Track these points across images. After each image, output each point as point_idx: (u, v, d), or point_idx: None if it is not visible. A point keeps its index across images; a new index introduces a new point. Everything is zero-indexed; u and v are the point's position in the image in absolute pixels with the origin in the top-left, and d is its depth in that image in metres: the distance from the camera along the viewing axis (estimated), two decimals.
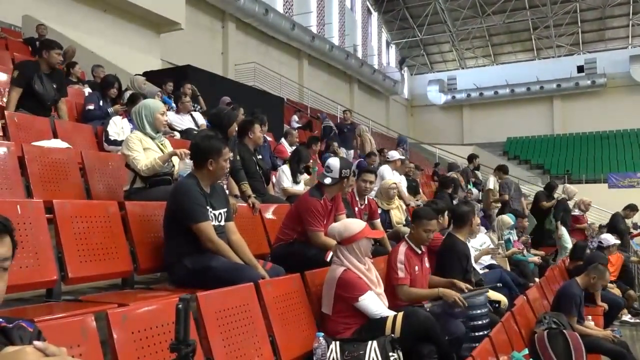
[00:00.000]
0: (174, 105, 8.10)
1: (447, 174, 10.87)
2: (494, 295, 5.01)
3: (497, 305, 4.37)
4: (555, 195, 10.45)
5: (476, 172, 11.99)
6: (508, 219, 7.67)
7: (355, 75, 29.18)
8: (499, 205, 10.04)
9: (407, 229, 5.85)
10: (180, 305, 1.54)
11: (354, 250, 3.45)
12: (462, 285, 4.16)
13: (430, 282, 4.37)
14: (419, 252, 4.20)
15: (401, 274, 4.00)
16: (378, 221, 5.55)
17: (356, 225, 3.53)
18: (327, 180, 4.19)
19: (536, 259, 7.90)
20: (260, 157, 5.73)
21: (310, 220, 4.04)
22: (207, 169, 3.39)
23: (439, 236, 4.90)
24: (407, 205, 7.69)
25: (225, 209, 3.54)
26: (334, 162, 4.28)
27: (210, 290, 2.78)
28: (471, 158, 11.30)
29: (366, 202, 5.52)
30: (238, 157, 5.07)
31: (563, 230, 9.76)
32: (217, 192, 3.54)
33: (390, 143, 20.46)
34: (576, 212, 10.55)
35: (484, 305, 3.96)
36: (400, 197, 7.22)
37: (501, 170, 10.43)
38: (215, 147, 3.40)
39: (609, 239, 8.25)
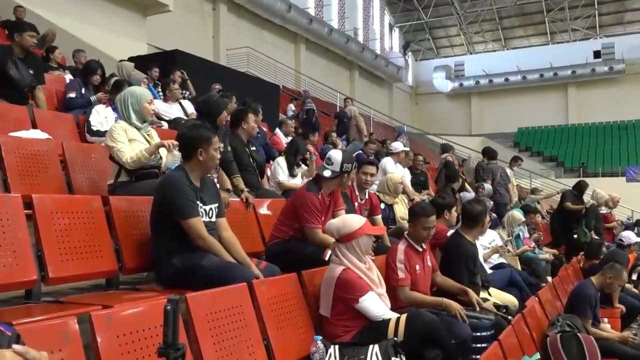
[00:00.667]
0: (158, 94, 8.08)
1: (441, 157, 10.92)
2: (501, 297, 5.02)
3: (504, 310, 4.37)
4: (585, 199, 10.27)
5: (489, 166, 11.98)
6: (518, 214, 7.69)
7: (355, 61, 29.13)
8: (515, 197, 10.09)
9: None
10: (168, 307, 1.55)
11: (354, 248, 3.46)
12: (474, 298, 4.17)
13: (443, 283, 4.38)
14: (420, 250, 4.21)
15: (401, 275, 4.01)
16: (379, 217, 5.56)
17: (355, 221, 3.54)
18: (327, 173, 4.19)
19: (547, 255, 7.93)
20: (254, 148, 5.73)
21: (307, 216, 4.04)
22: (197, 159, 3.39)
23: (444, 228, 4.91)
24: (411, 199, 7.71)
25: (216, 204, 3.54)
26: (335, 154, 4.28)
27: (200, 291, 2.78)
28: (486, 152, 11.21)
29: (367, 196, 5.52)
30: (229, 149, 5.07)
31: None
32: (207, 186, 3.55)
33: (393, 134, 20.46)
34: (603, 210, 10.47)
35: (489, 328, 3.97)
36: (404, 192, 7.24)
37: (487, 154, 10.50)
38: (204, 136, 3.40)
39: (630, 236, 8.26)
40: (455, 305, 3.89)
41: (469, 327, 3.79)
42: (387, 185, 6.32)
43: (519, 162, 11.29)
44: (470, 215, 4.75)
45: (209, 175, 3.77)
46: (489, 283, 5.09)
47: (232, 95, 7.69)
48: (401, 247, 4.13)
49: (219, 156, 3.52)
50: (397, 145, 8.43)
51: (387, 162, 7.94)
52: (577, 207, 9.78)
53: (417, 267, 4.12)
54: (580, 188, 10.20)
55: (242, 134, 5.45)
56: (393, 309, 3.55)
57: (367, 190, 5.54)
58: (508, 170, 10.53)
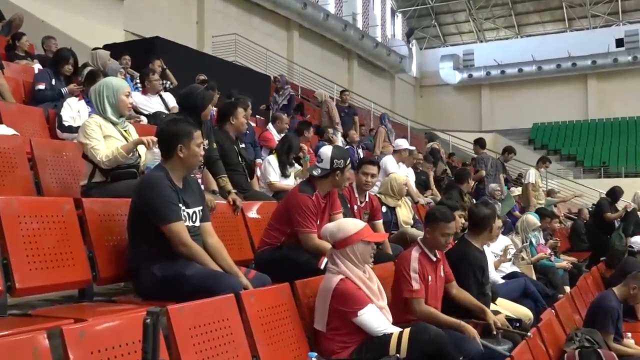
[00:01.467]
0: (136, 86, 8.07)
1: (427, 145, 11.01)
2: (514, 309, 5.03)
3: (517, 324, 4.38)
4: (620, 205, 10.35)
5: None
6: (534, 218, 7.70)
7: (354, 49, 29.15)
8: (542, 202, 10.12)
9: (414, 231, 5.89)
10: (148, 320, 1.55)
11: (349, 255, 3.46)
12: (491, 319, 4.17)
13: (458, 295, 4.36)
14: (434, 259, 4.22)
15: (416, 285, 3.99)
16: (380, 222, 5.55)
17: (351, 225, 3.55)
18: (316, 172, 4.19)
19: (565, 264, 7.92)
20: (242, 146, 5.73)
21: (300, 219, 4.04)
22: (177, 156, 3.39)
23: None
24: (416, 202, 7.73)
25: (200, 207, 3.54)
26: (324, 150, 4.28)
27: (183, 303, 2.78)
28: (506, 151, 11.23)
29: (367, 199, 5.53)
30: (215, 146, 5.07)
31: None
32: (190, 187, 3.55)
33: (396, 129, 20.44)
34: None
35: (503, 357, 3.99)
36: (408, 194, 7.24)
37: (478, 143, 10.84)
38: (184, 130, 3.41)
39: None
40: (472, 331, 3.88)
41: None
42: (390, 187, 6.32)
43: (547, 163, 11.26)
44: (476, 219, 4.75)
45: (192, 175, 3.77)
46: (495, 293, 5.10)
47: (215, 87, 7.68)
48: (415, 254, 4.12)
49: (202, 153, 3.52)
50: (401, 143, 8.42)
51: (389, 161, 7.92)
52: (616, 214, 9.94)
53: (430, 278, 4.12)
54: (614, 195, 10.32)
55: (230, 130, 5.45)
56: (397, 322, 3.56)
57: (367, 192, 5.54)
58: (533, 171, 10.58)
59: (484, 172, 10.41)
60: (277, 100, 12.20)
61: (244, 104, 5.73)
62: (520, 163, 22.43)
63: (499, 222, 6.32)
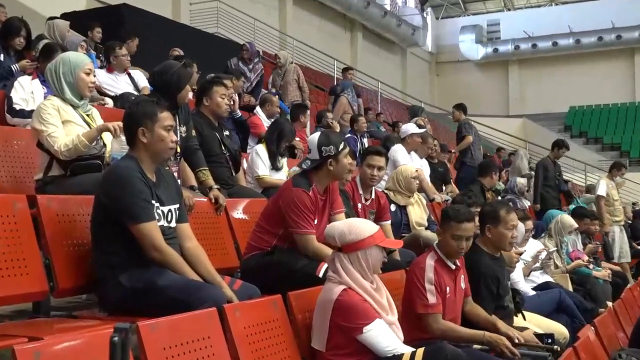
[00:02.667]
0: (100, 61, 8.07)
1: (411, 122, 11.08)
2: (546, 326, 5.05)
3: (549, 340, 4.40)
4: None
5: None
6: (570, 219, 7.70)
7: (359, 19, 29.10)
8: (619, 218, 10.13)
9: (429, 234, 5.89)
10: (115, 338, 1.56)
11: (359, 261, 3.47)
12: (512, 332, 4.17)
13: (470, 312, 4.37)
14: (453, 267, 4.23)
15: (432, 299, 3.99)
16: (389, 223, 5.55)
17: (366, 227, 3.55)
18: (306, 164, 4.22)
19: (604, 273, 7.91)
20: (227, 133, 5.72)
21: (295, 218, 4.05)
22: (141, 142, 3.40)
23: None
24: (431, 200, 7.73)
25: (177, 205, 3.55)
26: (311, 138, 4.33)
27: (156, 318, 2.79)
28: (556, 146, 11.04)
29: (373, 195, 5.53)
30: (194, 134, 5.07)
31: None
32: (165, 181, 3.56)
33: (408, 114, 20.45)
34: None
35: None
36: (421, 189, 7.24)
37: (460, 108, 11.12)
38: (146, 111, 3.43)
39: None
40: (502, 340, 3.91)
41: None
42: (397, 181, 6.32)
43: (623, 170, 11.19)
44: (487, 216, 4.76)
45: (167, 167, 3.77)
46: (522, 301, 5.10)
47: (192, 63, 7.66)
48: (430, 262, 4.13)
49: (174, 138, 3.51)
50: (408, 127, 8.29)
51: (398, 150, 7.85)
52: None
53: (448, 289, 4.13)
54: None
55: (208, 114, 5.44)
56: (409, 341, 3.57)
57: (373, 188, 5.54)
58: (604, 181, 10.56)
59: (470, 138, 10.73)
60: (248, 76, 11.32)
61: (220, 81, 5.68)
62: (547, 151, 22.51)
63: (529, 224, 6.36)
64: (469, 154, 10.62)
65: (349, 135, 10.15)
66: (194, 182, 4.96)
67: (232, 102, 5.57)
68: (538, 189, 10.26)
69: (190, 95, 5.54)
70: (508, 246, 4.76)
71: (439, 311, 4.01)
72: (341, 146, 4.23)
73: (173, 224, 3.50)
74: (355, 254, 3.46)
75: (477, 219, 5.11)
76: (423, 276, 4.05)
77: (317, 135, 4.33)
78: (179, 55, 9.11)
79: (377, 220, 5.39)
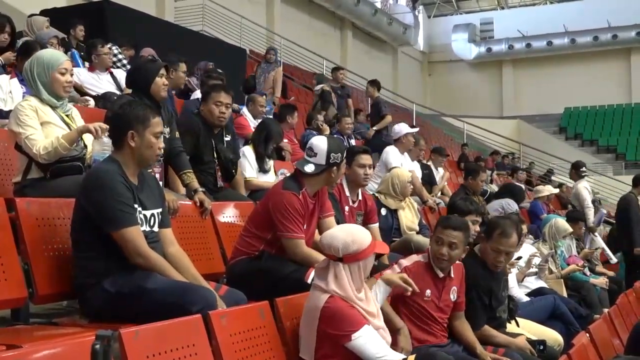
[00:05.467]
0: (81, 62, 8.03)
1: (316, 88, 11.14)
2: (540, 332, 5.06)
3: (541, 346, 4.41)
4: None
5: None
6: (565, 223, 7.74)
7: (348, 17, 29.11)
8: None
9: (421, 238, 5.91)
10: (97, 346, 1.56)
11: (358, 271, 3.49)
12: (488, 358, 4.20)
13: (457, 332, 4.37)
14: (441, 275, 4.24)
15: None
16: (377, 226, 5.59)
17: (365, 237, 3.56)
18: (310, 168, 4.19)
19: (602, 280, 7.93)
20: (228, 138, 5.67)
21: (284, 222, 4.05)
22: (128, 146, 3.40)
23: None
24: (424, 202, 7.74)
25: (159, 209, 3.55)
26: (319, 142, 4.28)
27: (139, 325, 2.79)
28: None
29: (360, 197, 5.55)
30: (177, 135, 5.06)
31: None
32: (148, 184, 3.56)
33: (399, 115, 20.48)
34: None
35: None
36: (414, 192, 7.25)
37: (375, 85, 11.63)
38: (138, 114, 3.41)
39: None
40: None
41: None
42: (392, 185, 6.32)
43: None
44: (484, 231, 4.78)
45: (149, 170, 3.77)
46: (515, 308, 5.11)
47: (180, 62, 7.62)
48: (413, 257, 4.21)
49: (161, 145, 3.52)
50: (401, 128, 8.27)
51: (391, 152, 7.85)
52: None
53: (428, 292, 4.16)
54: None
55: (205, 115, 5.43)
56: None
57: (359, 189, 5.56)
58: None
59: (390, 117, 11.15)
60: None
61: (219, 87, 5.64)
62: (548, 156, 22.58)
63: (522, 228, 6.37)
64: (385, 131, 10.86)
65: (335, 134, 10.20)
66: (180, 187, 4.95)
67: (228, 112, 5.54)
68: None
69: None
70: (491, 266, 4.65)
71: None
72: (344, 154, 4.33)
73: (156, 228, 3.50)
74: (356, 264, 3.48)
75: (476, 227, 5.15)
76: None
77: (324, 140, 4.32)
78: (151, 57, 9.07)
79: (366, 222, 5.43)
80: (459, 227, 4.23)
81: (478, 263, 4.66)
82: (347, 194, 5.44)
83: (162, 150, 3.60)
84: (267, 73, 12.09)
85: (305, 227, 4.13)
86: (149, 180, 3.60)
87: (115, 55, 8.26)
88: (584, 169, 11.38)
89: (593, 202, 11.07)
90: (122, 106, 3.55)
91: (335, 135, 9.65)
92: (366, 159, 5.48)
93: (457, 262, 4.33)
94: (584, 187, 10.94)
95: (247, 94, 9.63)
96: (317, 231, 4.41)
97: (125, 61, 8.85)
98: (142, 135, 3.40)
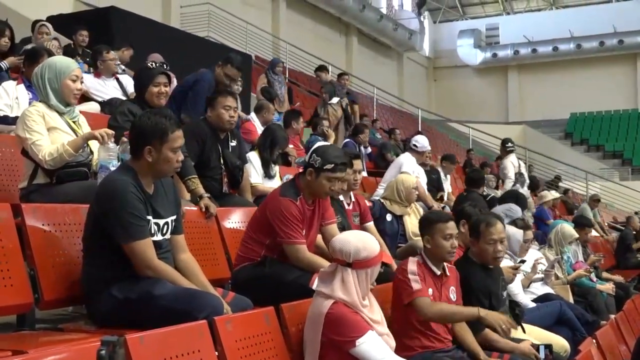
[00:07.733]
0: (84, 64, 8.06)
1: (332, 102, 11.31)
2: (545, 338, 5.05)
3: (547, 349, 4.40)
4: None
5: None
6: (571, 229, 7.72)
7: (354, 23, 29.14)
8: None
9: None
10: (103, 352, 1.56)
11: (366, 277, 3.51)
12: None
13: (457, 336, 4.34)
14: (438, 272, 4.25)
15: (416, 285, 4.03)
16: (372, 224, 5.73)
17: (375, 245, 3.58)
18: (299, 161, 4.27)
19: (608, 286, 7.90)
20: (234, 144, 5.66)
21: (284, 228, 4.05)
22: (145, 160, 3.36)
23: None
24: (429, 208, 7.74)
25: (174, 217, 3.54)
26: (317, 143, 4.35)
27: (145, 331, 2.79)
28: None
29: (352, 199, 5.66)
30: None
31: None
32: (164, 191, 3.53)
33: (404, 120, 20.50)
34: None
35: None
36: (419, 198, 7.26)
37: (324, 69, 12.17)
38: (157, 128, 3.34)
39: None
40: (499, 318, 3.97)
41: None
42: (397, 191, 6.33)
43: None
44: (472, 232, 4.76)
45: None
46: (522, 313, 5.10)
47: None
48: (413, 259, 4.22)
49: (180, 158, 3.45)
50: (424, 142, 8.42)
51: (406, 159, 7.94)
52: None
53: (430, 290, 4.16)
54: None
55: (212, 124, 5.43)
56: (400, 351, 3.56)
57: (351, 192, 5.66)
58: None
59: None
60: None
61: (226, 92, 5.63)
62: (554, 161, 22.53)
63: (528, 234, 6.36)
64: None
65: (348, 140, 10.26)
66: (186, 194, 4.96)
67: (236, 115, 5.55)
68: None
69: None
70: (492, 261, 4.68)
71: (426, 295, 4.03)
72: (328, 165, 4.09)
73: (168, 236, 3.50)
74: (364, 270, 3.49)
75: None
76: (406, 271, 4.09)
77: (321, 143, 4.42)
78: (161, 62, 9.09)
79: (362, 222, 5.60)
80: (452, 218, 4.36)
81: (473, 267, 4.67)
82: (341, 197, 5.49)
83: (181, 163, 3.53)
84: (280, 84, 11.98)
85: (304, 232, 4.14)
86: (165, 187, 3.56)
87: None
88: (509, 144, 11.81)
89: (517, 175, 11.44)
90: (142, 116, 3.48)
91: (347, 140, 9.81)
92: (357, 164, 5.61)
93: (449, 265, 4.39)
94: (510, 162, 11.44)
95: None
96: (320, 237, 4.44)
97: (123, 66, 8.86)
98: (160, 151, 3.34)
